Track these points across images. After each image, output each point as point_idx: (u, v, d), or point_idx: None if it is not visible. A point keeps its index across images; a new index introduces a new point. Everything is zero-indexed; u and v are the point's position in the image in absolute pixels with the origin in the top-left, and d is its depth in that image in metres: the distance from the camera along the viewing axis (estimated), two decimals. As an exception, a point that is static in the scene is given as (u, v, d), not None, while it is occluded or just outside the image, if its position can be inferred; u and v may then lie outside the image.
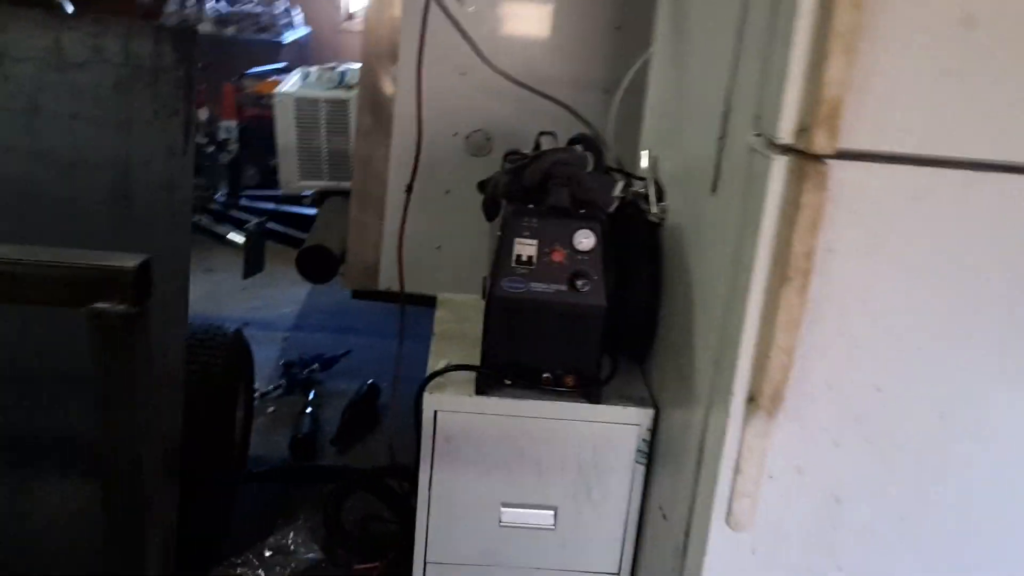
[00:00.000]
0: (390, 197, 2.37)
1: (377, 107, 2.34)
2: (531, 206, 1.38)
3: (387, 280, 2.37)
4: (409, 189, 1.73)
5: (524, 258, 1.37)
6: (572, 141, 1.61)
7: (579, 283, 1.35)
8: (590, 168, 1.44)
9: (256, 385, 2.74)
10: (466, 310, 1.77)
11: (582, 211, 1.38)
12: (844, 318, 1.10)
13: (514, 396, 1.43)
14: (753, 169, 1.10)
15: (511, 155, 1.61)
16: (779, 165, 1.03)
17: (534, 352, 1.41)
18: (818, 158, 1.01)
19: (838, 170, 1.02)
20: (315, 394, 2.71)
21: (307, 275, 2.35)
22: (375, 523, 2.16)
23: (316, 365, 2.86)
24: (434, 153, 2.35)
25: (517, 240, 1.37)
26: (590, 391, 1.43)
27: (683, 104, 1.47)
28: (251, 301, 3.47)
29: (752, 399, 1.12)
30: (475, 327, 1.46)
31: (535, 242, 1.37)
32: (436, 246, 2.41)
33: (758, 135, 1.09)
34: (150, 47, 1.53)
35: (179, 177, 1.55)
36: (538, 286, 1.37)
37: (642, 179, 1.56)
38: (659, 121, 1.66)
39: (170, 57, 1.53)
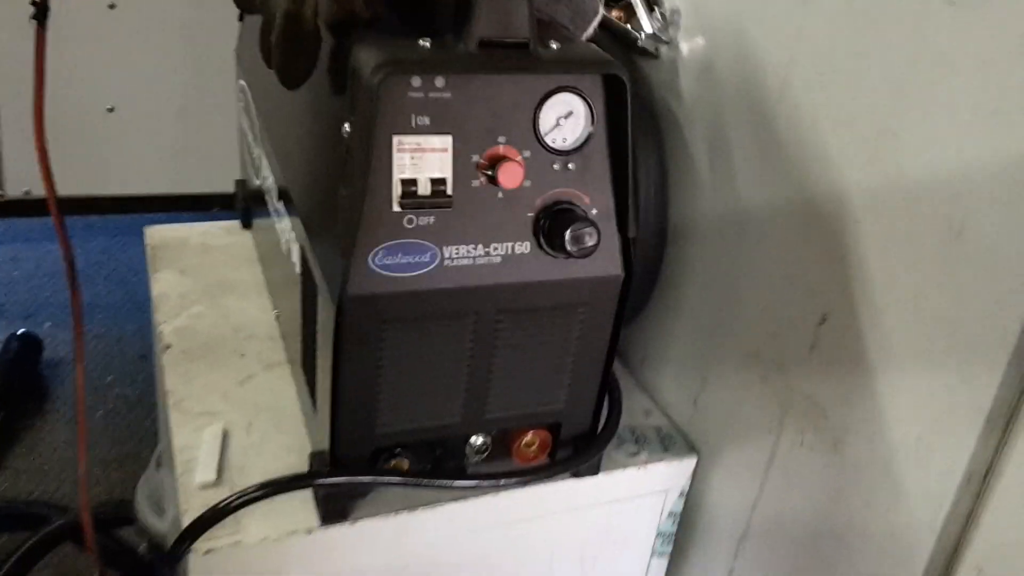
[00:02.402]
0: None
1: None
2: (425, 43, 0.50)
3: (20, 182, 1.35)
4: (40, 10, 0.75)
5: (422, 186, 0.51)
6: None
7: (573, 233, 0.53)
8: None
9: None
10: (221, 260, 0.86)
11: (551, 45, 0.53)
12: None
13: (410, 506, 0.61)
14: None
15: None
16: None
17: (453, 401, 0.58)
18: None
19: None
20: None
21: None
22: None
23: (-79, 315, 1.75)
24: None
25: (399, 142, 0.50)
26: (581, 459, 0.63)
27: None
28: None
29: None
30: (253, 304, 0.62)
31: (446, 142, 0.51)
32: (107, 107, 1.39)
33: None
34: None
35: None
36: (462, 254, 0.53)
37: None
38: None
39: None
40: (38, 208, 1.49)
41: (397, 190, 0.50)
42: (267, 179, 0.73)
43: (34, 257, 2.18)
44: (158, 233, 0.89)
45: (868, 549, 0.56)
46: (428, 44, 0.50)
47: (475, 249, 0.53)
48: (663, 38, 0.68)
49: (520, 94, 0.52)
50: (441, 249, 0.52)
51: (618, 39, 0.69)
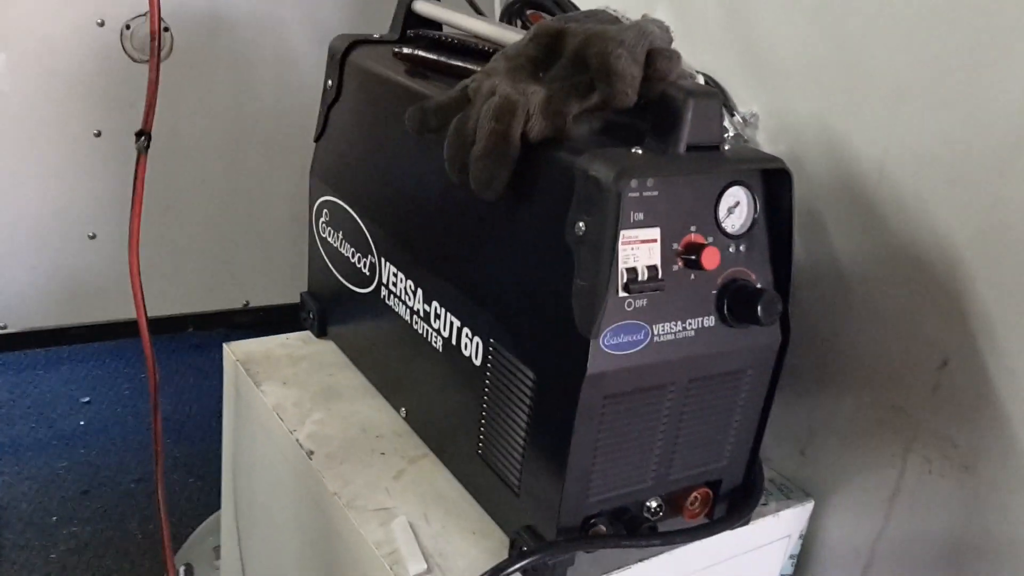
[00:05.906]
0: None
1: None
2: (637, 150, 0.58)
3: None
4: (146, 140, 0.77)
5: (642, 272, 0.58)
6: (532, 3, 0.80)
7: (765, 304, 0.61)
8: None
9: None
10: (314, 369, 0.89)
11: (724, 146, 0.62)
12: None
13: (606, 570, 0.66)
14: None
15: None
16: None
17: (647, 466, 0.65)
18: None
19: None
20: None
21: None
22: None
23: None
24: (63, 63, 1.30)
25: (624, 236, 0.57)
26: (748, 510, 0.71)
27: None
28: None
29: None
30: (366, 406, 0.68)
31: (655, 233, 0.59)
32: (88, 234, 1.37)
33: None
34: None
35: None
36: (667, 330, 0.60)
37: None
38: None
39: None
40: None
41: (623, 278, 0.57)
42: (397, 284, 0.78)
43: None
44: (240, 348, 0.90)
45: (1008, 553, 0.65)
46: (640, 151, 0.58)
47: (676, 325, 0.61)
48: (744, 139, 0.79)
49: (707, 188, 0.60)
50: (652, 327, 0.59)
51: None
